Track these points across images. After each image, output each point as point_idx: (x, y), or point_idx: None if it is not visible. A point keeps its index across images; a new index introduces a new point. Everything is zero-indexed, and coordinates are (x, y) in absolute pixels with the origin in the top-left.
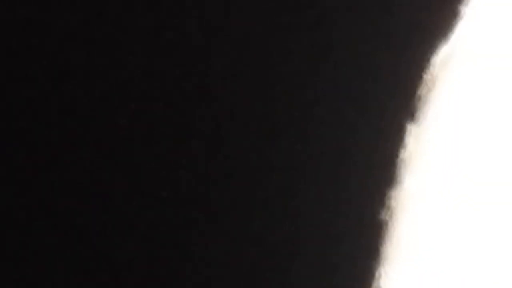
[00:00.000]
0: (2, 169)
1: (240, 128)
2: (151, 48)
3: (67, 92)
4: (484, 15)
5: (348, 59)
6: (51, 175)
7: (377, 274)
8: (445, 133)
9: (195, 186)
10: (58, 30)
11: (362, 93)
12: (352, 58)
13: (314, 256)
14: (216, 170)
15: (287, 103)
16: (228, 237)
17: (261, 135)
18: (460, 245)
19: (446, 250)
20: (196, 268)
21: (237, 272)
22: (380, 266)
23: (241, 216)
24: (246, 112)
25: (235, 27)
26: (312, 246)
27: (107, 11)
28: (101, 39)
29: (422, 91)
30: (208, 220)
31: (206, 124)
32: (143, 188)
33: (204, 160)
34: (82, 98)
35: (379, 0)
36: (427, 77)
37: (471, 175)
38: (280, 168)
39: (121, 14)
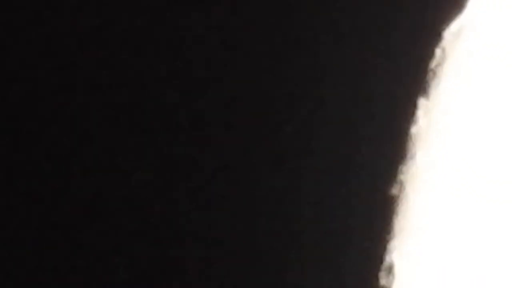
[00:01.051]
0: (3, 170)
1: (251, 110)
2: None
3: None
4: None
5: (359, 33)
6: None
7: (389, 248)
8: (456, 108)
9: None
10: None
11: (373, 67)
12: (363, 32)
13: (326, 231)
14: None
15: (299, 79)
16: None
17: (271, 116)
18: (471, 220)
19: (456, 225)
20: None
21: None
22: (392, 240)
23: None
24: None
25: (239, 26)
26: (323, 221)
27: (109, 12)
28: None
29: (433, 65)
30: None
31: (198, 123)
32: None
33: (211, 160)
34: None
35: None
36: (438, 51)
37: (481, 151)
38: (290, 145)
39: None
